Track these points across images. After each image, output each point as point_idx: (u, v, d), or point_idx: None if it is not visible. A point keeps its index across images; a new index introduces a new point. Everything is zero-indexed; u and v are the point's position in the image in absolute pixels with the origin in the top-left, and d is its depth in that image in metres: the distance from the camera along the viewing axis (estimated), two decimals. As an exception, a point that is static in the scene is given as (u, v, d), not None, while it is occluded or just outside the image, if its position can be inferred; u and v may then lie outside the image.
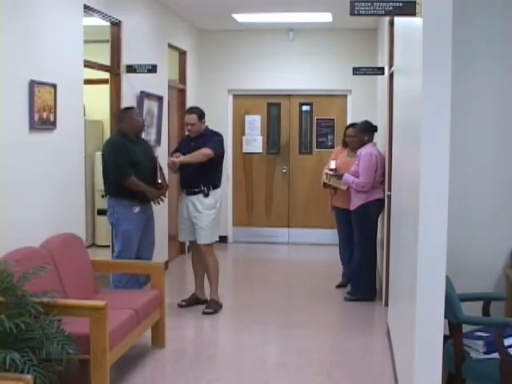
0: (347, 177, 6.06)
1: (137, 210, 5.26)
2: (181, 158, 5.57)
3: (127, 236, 5.22)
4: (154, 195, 5.35)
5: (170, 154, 5.98)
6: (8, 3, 3.97)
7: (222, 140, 5.80)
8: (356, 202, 6.03)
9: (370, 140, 6.16)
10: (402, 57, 4.49)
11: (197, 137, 5.73)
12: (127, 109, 5.56)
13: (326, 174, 6.38)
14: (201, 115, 5.71)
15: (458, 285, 3.52)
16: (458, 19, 3.23)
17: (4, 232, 3.94)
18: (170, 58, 7.75)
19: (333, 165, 6.36)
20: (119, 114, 5.56)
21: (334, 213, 6.58)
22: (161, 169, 5.54)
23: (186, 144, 5.83)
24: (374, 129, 6.27)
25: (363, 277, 6.09)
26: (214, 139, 5.70)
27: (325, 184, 6.45)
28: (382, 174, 6.01)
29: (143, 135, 6.46)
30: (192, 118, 5.68)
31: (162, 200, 5.46)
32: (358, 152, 6.06)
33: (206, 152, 5.57)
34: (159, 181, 5.53)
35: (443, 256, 3.06)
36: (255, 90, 9.11)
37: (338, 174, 6.22)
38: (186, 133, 5.92)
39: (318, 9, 7.51)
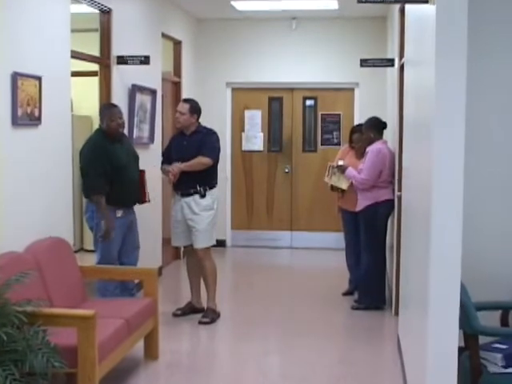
0: (350, 171, 6.08)
1: (119, 214, 5.24)
2: (180, 167, 5.57)
3: (108, 241, 5.19)
4: (109, 226, 5.09)
5: (163, 157, 5.92)
6: (-11, -11, 3.96)
7: (218, 138, 5.80)
8: (363, 203, 6.03)
9: (378, 137, 6.13)
10: (413, 47, 4.48)
11: (190, 134, 5.72)
12: (109, 106, 5.48)
13: (330, 167, 6.37)
14: (195, 109, 5.71)
15: (473, 292, 3.50)
16: (474, 6, 3.22)
17: (-15, 236, 3.93)
18: (164, 49, 7.75)
19: (341, 163, 6.35)
20: (100, 108, 5.51)
21: (341, 215, 6.57)
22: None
23: (178, 142, 5.81)
24: (383, 125, 6.24)
25: (371, 283, 6.08)
26: (209, 141, 5.68)
27: (332, 186, 6.45)
28: (391, 173, 6.01)
29: (135, 132, 6.47)
30: (184, 106, 5.71)
31: (108, 237, 5.16)
32: (367, 149, 6.06)
33: (204, 161, 5.60)
34: (148, 199, 5.55)
35: (457, 261, 3.05)
36: (255, 83, 9.10)
37: (342, 167, 6.21)
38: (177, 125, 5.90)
39: (323, -4, 7.52)
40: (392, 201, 6.01)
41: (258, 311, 6.17)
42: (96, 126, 5.59)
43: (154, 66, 6.90)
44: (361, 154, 6.21)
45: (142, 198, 5.50)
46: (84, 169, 5.16)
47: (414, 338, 3.88)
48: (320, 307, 6.27)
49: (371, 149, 6.01)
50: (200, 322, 5.65)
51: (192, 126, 5.72)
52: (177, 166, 5.60)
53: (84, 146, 5.25)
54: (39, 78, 4.45)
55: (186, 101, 5.86)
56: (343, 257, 6.69)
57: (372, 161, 5.95)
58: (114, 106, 5.45)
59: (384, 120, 6.36)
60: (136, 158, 5.50)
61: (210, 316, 5.71)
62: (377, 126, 6.19)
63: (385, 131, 6.32)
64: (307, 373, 4.61)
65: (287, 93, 9.20)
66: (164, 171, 5.81)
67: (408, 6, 4.87)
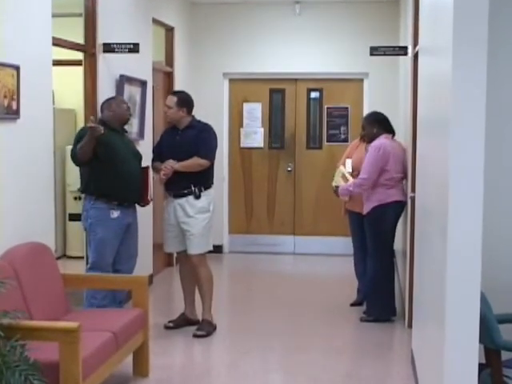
0: (342, 189, 6.10)
1: (115, 214, 5.25)
2: (175, 166, 5.56)
3: (102, 244, 5.22)
4: (94, 130, 4.90)
5: (153, 154, 5.90)
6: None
7: (215, 136, 5.80)
8: (369, 205, 6.01)
9: (381, 132, 6.13)
10: (428, 34, 4.47)
11: (183, 129, 5.72)
12: (112, 97, 5.64)
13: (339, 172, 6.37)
14: (183, 102, 5.71)
15: (495, 304, 3.49)
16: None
17: (-42, 241, 3.92)
18: (155, 36, 7.74)
19: (349, 166, 6.32)
20: (102, 103, 5.59)
21: (348, 218, 6.56)
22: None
23: (170, 137, 5.81)
24: (382, 119, 6.23)
25: (379, 293, 6.07)
26: (206, 140, 5.69)
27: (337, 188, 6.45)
28: (400, 170, 6.00)
29: (125, 127, 6.46)
30: (172, 99, 5.72)
31: (99, 131, 4.92)
32: (369, 146, 6.07)
33: (201, 163, 5.63)
34: (150, 198, 5.57)
35: (477, 269, 3.04)
36: (255, 73, 9.11)
37: (336, 190, 6.24)
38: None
39: (330, -22, 7.51)
40: (402, 202, 6.00)
41: (257, 323, 6.16)
42: (80, 119, 5.61)
43: (144, 54, 6.89)
44: (369, 144, 6.21)
45: (143, 198, 5.50)
46: (73, 144, 5.24)
47: (429, 353, 3.87)
48: (326, 319, 6.26)
49: (372, 145, 6.04)
50: (194, 335, 5.64)
51: (184, 121, 5.72)
52: (170, 165, 5.59)
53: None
54: (17, 68, 4.43)
55: (175, 93, 5.90)
56: (351, 264, 6.68)
57: (371, 158, 5.95)
58: (117, 95, 5.70)
59: (389, 113, 6.34)
60: (137, 156, 5.54)
61: (206, 328, 5.69)
62: (378, 120, 6.20)
63: (397, 126, 6.30)
64: (312, 391, 4.61)
65: (290, 84, 9.19)
66: (155, 169, 5.79)
67: (423, -11, 4.87)
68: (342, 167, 6.33)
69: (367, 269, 6.20)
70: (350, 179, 6.07)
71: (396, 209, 6.05)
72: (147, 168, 5.59)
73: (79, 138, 5.16)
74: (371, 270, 6.13)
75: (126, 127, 5.69)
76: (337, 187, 6.24)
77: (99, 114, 5.66)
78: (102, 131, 4.90)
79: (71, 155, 5.25)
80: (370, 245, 6.13)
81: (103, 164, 5.16)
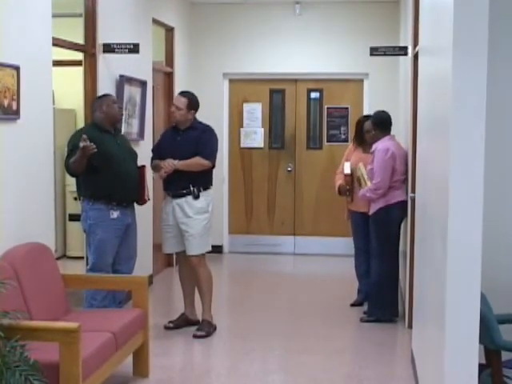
0: (361, 194, 6.08)
1: (114, 215, 5.25)
2: (176, 164, 5.56)
3: (102, 245, 5.21)
4: (86, 150, 4.83)
5: (152, 153, 5.89)
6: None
7: (216, 138, 5.80)
8: (375, 206, 6.01)
9: (380, 135, 6.10)
10: (428, 34, 4.48)
11: (184, 130, 5.72)
12: (102, 96, 5.58)
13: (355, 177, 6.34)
14: (193, 104, 5.72)
15: (495, 304, 3.49)
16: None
17: (-42, 241, 3.92)
18: (155, 36, 7.74)
19: (347, 169, 6.32)
20: (93, 102, 5.56)
21: (351, 218, 6.56)
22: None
23: (170, 138, 5.80)
24: (390, 122, 6.20)
25: (382, 294, 6.06)
26: (208, 141, 5.68)
27: (339, 190, 6.44)
28: (404, 171, 6.00)
29: (123, 127, 6.46)
30: (181, 100, 5.69)
31: (91, 150, 4.86)
32: (373, 147, 6.05)
33: (203, 163, 5.63)
34: (147, 198, 5.55)
35: (477, 269, 3.04)
36: (255, 73, 9.10)
37: (350, 192, 6.25)
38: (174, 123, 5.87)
39: (330, -22, 7.51)
40: (405, 202, 6.00)
41: (257, 324, 6.15)
42: (80, 119, 5.60)
43: (144, 54, 6.89)
44: (370, 145, 6.18)
45: (141, 197, 5.49)
46: (66, 154, 5.20)
47: (429, 354, 3.87)
48: (326, 319, 6.25)
49: (378, 148, 6.00)
50: (194, 336, 5.63)
51: (187, 122, 5.72)
52: (171, 162, 5.58)
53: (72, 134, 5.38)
54: (17, 68, 4.43)
55: (184, 94, 5.83)
56: (352, 264, 6.69)
57: (381, 161, 5.92)
58: (108, 94, 5.59)
59: (390, 114, 6.29)
60: (133, 155, 5.53)
61: (206, 329, 5.69)
62: (378, 123, 6.16)
63: (397, 127, 6.29)
64: (312, 392, 4.61)
65: (290, 84, 9.19)
66: (155, 168, 5.77)
67: (423, -11, 4.87)
68: (362, 169, 6.22)
69: (371, 270, 6.19)
70: (368, 183, 6.06)
71: (401, 209, 6.03)
72: (143, 167, 5.57)
73: (72, 147, 5.09)
74: (376, 272, 6.10)
75: (122, 127, 5.68)
76: (348, 190, 6.27)
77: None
78: (95, 149, 4.87)
79: (65, 166, 5.22)
80: (374, 246, 6.11)
81: (100, 167, 5.14)
